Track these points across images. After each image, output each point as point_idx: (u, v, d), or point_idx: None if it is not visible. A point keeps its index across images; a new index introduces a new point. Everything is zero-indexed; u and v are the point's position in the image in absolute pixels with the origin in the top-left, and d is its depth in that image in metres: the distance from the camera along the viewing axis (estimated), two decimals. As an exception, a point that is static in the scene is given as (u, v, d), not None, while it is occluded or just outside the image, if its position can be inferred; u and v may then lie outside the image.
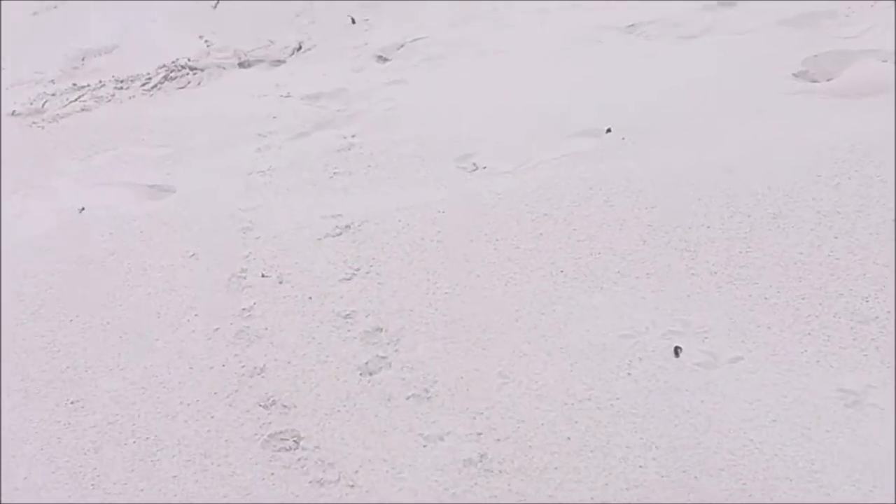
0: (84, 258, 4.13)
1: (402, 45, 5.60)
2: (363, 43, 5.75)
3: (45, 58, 6.68)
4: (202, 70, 5.97)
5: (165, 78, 5.86)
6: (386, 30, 5.89)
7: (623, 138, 4.17)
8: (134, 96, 5.79)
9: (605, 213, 3.75)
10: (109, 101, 5.82)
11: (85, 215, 4.50)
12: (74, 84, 6.12)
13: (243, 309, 3.63)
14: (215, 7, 6.89)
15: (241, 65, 6.01)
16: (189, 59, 6.03)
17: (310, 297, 3.62)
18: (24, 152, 5.29)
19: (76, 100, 5.88)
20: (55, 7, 7.66)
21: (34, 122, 5.68)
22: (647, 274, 3.41)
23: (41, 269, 4.09)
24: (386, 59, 5.55)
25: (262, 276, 3.79)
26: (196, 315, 3.65)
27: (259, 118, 5.10)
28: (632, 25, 5.11)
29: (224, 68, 6.00)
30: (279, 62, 5.88)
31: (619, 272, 3.45)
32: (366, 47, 5.70)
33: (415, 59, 5.41)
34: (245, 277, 3.81)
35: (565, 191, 3.92)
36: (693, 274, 3.38)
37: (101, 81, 6.09)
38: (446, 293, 3.51)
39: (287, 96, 5.30)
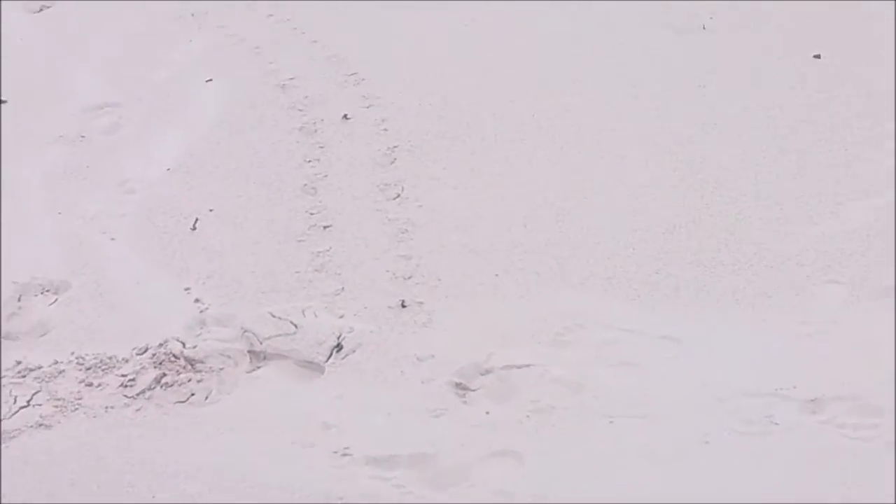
0: None
1: (488, 371, 4.28)
2: (429, 354, 4.41)
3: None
4: (202, 362, 4.49)
5: (157, 381, 4.34)
6: (452, 327, 4.56)
7: None
8: (112, 406, 4.28)
9: None
10: (76, 409, 4.27)
11: None
12: (18, 363, 4.54)
13: None
14: (194, 229, 5.41)
15: (252, 354, 4.55)
16: (183, 345, 4.54)
17: None
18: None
19: (28, 403, 4.30)
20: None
21: (-29, 444, 4.07)
22: None
23: None
24: (467, 389, 4.22)
25: None
26: None
27: (317, 498, 3.68)
28: (813, 400, 3.94)
29: (230, 357, 4.53)
30: (311, 366, 4.46)
31: None
32: (433, 361, 4.37)
33: (517, 404, 4.11)
34: None
35: None
36: None
37: (57, 363, 4.54)
38: None
39: (345, 454, 3.91)
